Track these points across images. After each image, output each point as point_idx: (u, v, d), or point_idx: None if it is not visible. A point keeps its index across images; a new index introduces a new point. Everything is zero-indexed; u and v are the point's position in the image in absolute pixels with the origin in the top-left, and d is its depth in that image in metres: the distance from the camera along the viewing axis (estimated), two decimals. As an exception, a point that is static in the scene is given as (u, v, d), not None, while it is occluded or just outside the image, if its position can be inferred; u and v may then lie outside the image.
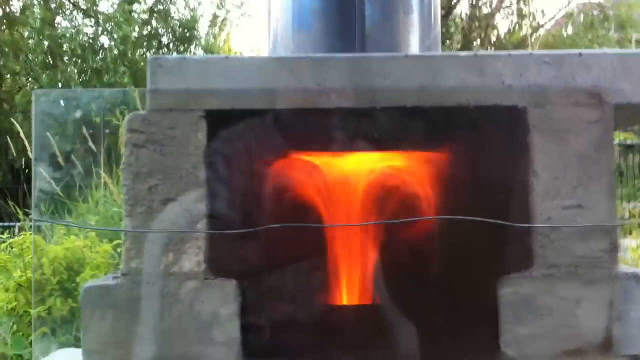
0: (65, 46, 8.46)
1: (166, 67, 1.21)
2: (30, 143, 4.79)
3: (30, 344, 2.39)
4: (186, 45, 8.74)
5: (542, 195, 1.19)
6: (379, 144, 1.35)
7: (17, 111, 8.35)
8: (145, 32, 8.67)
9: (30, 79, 9.29)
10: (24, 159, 5.38)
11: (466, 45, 10.74)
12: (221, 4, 9.79)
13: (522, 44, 10.82)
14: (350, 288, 1.57)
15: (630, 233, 3.61)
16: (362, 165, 1.55)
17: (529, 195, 1.20)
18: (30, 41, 8.53)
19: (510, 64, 1.21)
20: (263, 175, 1.40)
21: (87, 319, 1.17)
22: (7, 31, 9.31)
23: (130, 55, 7.98)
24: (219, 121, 1.23)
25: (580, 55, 1.23)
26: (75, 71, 8.48)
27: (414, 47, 1.50)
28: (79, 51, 8.28)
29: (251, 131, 1.31)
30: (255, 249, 1.30)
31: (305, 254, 1.51)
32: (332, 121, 1.29)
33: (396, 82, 1.20)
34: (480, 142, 1.34)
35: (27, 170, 5.80)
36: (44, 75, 8.39)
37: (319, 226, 1.35)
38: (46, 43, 8.51)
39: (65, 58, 8.59)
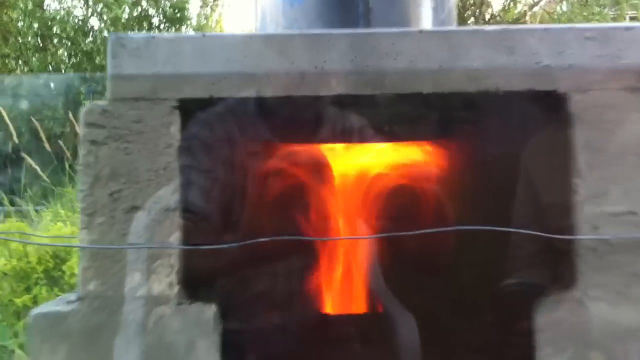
0: (55, 28, 8.33)
1: (131, 48, 1.01)
2: (15, 127, 4.64)
3: (15, 334, 2.28)
4: (177, 26, 8.54)
5: (586, 200, 0.99)
6: (387, 137, 1.17)
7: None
8: (135, 13, 8.48)
9: (20, 62, 9.16)
10: (10, 144, 5.22)
11: (460, 24, 10.60)
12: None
13: (517, 21, 10.68)
14: (353, 295, 1.39)
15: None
16: (366, 159, 1.36)
17: (571, 199, 1.00)
18: (20, 24, 8.40)
19: (547, 40, 1.02)
20: (249, 174, 1.20)
21: (34, 353, 0.96)
22: (-3, 14, 9.14)
23: (120, 36, 7.81)
24: (195, 112, 1.05)
25: (628, 29, 1.04)
26: (66, 54, 8.34)
27: (426, 21, 1.31)
28: (70, 33, 8.14)
29: (234, 123, 1.11)
30: (239, 262, 1.11)
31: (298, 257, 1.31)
32: (332, 110, 1.10)
33: (409, 63, 1.00)
34: (511, 135, 1.15)
35: (14, 156, 5.63)
36: (34, 58, 8.27)
37: (313, 239, 1.16)
38: (36, 25, 8.38)
39: (56, 40, 8.46)
